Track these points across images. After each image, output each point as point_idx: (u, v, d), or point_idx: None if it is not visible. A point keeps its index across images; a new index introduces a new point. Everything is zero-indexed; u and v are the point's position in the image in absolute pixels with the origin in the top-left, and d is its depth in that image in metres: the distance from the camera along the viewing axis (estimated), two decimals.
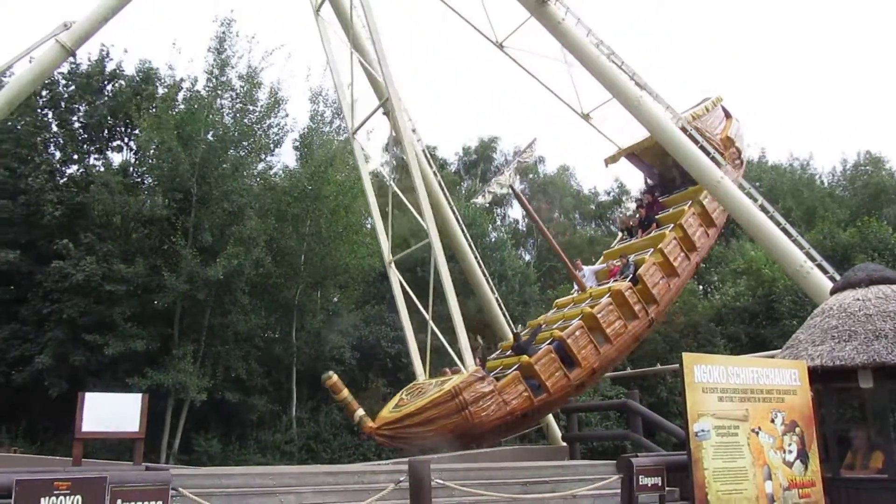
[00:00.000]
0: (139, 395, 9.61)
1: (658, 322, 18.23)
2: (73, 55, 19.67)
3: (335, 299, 30.73)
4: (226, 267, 24.04)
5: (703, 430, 9.55)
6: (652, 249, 18.20)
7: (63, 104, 27.65)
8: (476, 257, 22.85)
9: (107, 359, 23.14)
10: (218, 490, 9.27)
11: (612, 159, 22.42)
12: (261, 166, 29.63)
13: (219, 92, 27.56)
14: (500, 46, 20.47)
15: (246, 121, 27.97)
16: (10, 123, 25.16)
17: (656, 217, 19.96)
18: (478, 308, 26.38)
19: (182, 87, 28.47)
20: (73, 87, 27.70)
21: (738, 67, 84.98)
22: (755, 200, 17.65)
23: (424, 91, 73.33)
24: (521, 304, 33.13)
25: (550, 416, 20.57)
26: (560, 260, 21.28)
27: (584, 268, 19.53)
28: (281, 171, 30.88)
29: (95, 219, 25.36)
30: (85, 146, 28.18)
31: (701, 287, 42.41)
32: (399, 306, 18.72)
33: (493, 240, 36.73)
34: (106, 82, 28.40)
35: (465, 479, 10.38)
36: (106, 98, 28.21)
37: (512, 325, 22.58)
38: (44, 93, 26.94)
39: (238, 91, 28.07)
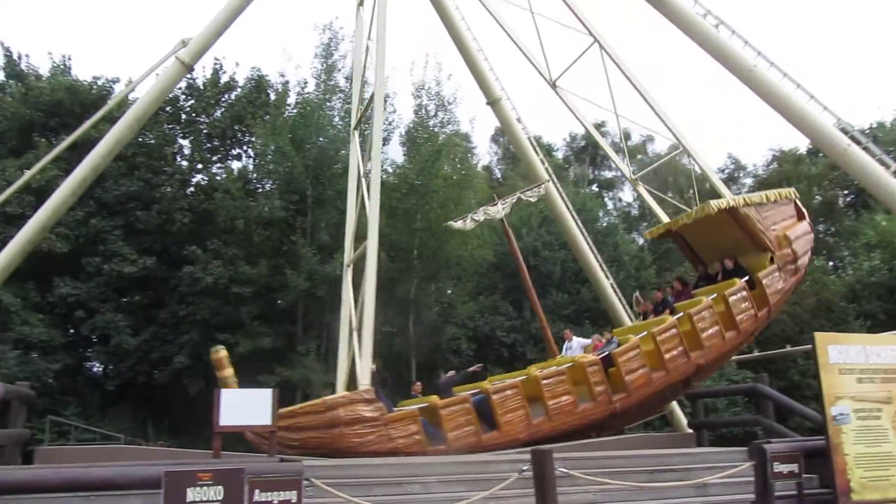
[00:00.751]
0: (270, 390, 10.03)
1: (621, 412, 14.20)
2: (191, 70, 20.75)
3: (449, 291, 31.04)
4: (340, 263, 24.75)
5: (841, 414, 9.06)
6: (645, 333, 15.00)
7: (184, 117, 29.34)
8: (588, 243, 22.39)
9: (238, 357, 24.39)
10: (347, 480, 9.56)
11: (651, 234, 19.35)
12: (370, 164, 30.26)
13: (327, 95, 28.41)
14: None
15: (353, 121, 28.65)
16: (141, 139, 26.93)
17: (674, 304, 16.29)
18: (593, 296, 25.93)
19: (291, 93, 29.59)
20: (192, 101, 29.31)
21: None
22: (888, 167, 16.46)
23: (524, 77, 71.60)
24: (637, 289, 32.34)
25: (675, 403, 19.94)
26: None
27: (574, 339, 16.78)
28: (389, 168, 31.48)
29: (220, 224, 26.77)
30: (208, 155, 29.82)
31: (831, 263, 40.01)
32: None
33: (604, 225, 36.02)
34: (222, 94, 29.88)
35: (589, 468, 10.22)
36: (223, 109, 29.71)
37: (630, 314, 21.99)
38: (168, 108, 28.63)
39: (345, 92, 28.84)
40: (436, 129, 31.46)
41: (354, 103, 20.69)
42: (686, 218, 16.72)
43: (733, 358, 20.00)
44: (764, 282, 15.31)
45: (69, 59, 29.42)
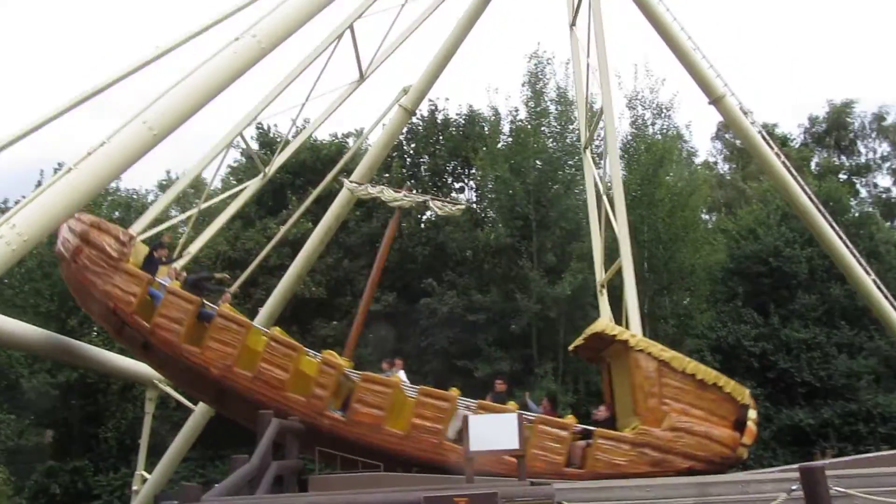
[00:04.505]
0: (515, 414, 10.26)
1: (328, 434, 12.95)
2: (414, 115, 22.21)
3: (685, 302, 29.71)
4: (571, 283, 24.76)
5: None
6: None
7: (409, 160, 31.34)
8: (840, 236, 20.31)
9: (479, 381, 25.20)
10: (599, 502, 9.49)
11: (572, 346, 15.88)
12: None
13: (539, 120, 28.84)
14: None
15: (567, 140, 28.81)
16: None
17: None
18: (847, 294, 23.41)
19: (504, 122, 30.45)
20: (414, 144, 31.25)
21: None
22: None
23: (747, 59, 65.43)
24: None
25: None
26: None
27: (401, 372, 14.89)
28: (609, 181, 31.03)
29: (452, 256, 28.04)
30: (434, 192, 31.49)
31: None
32: None
33: (856, 215, 32.50)
34: (439, 134, 31.52)
35: (869, 486, 9.21)
36: (442, 146, 31.30)
37: (892, 304, 19.53)
38: (394, 154, 30.76)
39: (555, 114, 29.09)
40: (654, 138, 30.56)
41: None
42: (581, 338, 14.60)
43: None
44: (598, 441, 12.36)
45: (307, 121, 32.70)
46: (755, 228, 30.47)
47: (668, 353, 12.91)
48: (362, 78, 18.81)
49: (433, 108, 31.71)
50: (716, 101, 19.94)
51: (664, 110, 30.35)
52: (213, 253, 28.20)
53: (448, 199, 18.92)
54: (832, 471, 8.37)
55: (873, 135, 47.78)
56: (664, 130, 30.68)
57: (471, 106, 32.08)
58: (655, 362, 12.69)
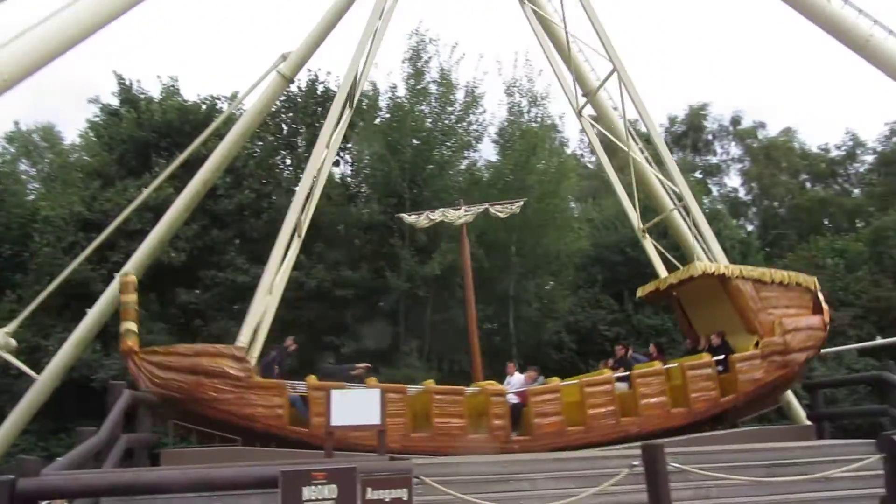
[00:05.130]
0: (378, 390, 10.31)
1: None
2: (292, 82, 21.56)
3: (548, 287, 30.84)
4: (441, 263, 25.06)
5: None
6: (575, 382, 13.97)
7: (286, 129, 30.46)
8: (691, 230, 21.72)
9: (344, 357, 25.09)
10: (456, 477, 9.71)
11: (642, 291, 17.16)
12: (465, 163, 30.54)
13: (418, 98, 28.80)
14: None
15: (446, 121, 28.99)
16: (248, 152, 28.16)
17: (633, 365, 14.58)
18: None
19: (383, 98, 30.21)
20: (292, 113, 30.38)
21: None
22: None
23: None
24: None
25: (790, 393, 19.08)
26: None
27: (516, 374, 15.38)
28: (484, 166, 31.59)
29: (323, 230, 27.62)
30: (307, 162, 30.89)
31: None
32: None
33: (707, 211, 34.82)
34: (318, 105, 30.83)
35: (703, 463, 9.96)
36: (320, 117, 30.65)
37: None
38: (269, 121, 29.79)
39: (435, 94, 29.14)
40: (529, 125, 31.35)
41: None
42: (673, 278, 15.54)
43: (854, 346, 18.95)
44: (738, 366, 13.66)
45: (176, 80, 31.08)
46: (615, 220, 32.03)
47: (755, 272, 14.65)
48: None
49: (314, 78, 31.00)
50: (588, 94, 20.73)
51: (539, 99, 31.13)
52: (67, 214, 26.34)
53: (506, 202, 18.87)
54: (671, 448, 8.98)
55: (728, 138, 51.52)
56: (538, 119, 31.53)
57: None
58: (750, 283, 14.16)
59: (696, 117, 50.87)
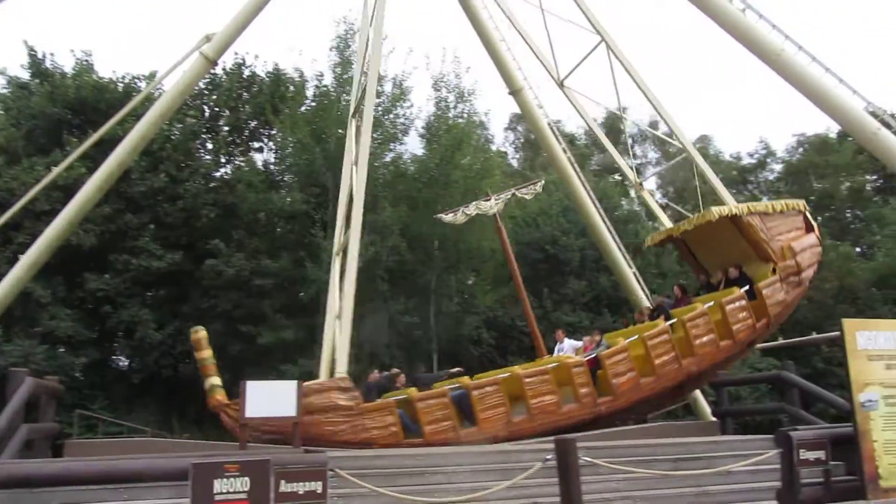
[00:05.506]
0: (294, 382, 10.19)
1: (607, 415, 14.20)
2: (215, 65, 20.94)
3: (470, 282, 31.08)
4: (363, 255, 24.87)
5: (870, 401, 9.05)
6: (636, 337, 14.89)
7: (208, 112, 29.60)
8: (610, 230, 22.34)
9: (262, 348, 24.63)
10: (371, 470, 9.69)
11: (652, 240, 18.63)
12: (391, 156, 30.39)
13: (344, 88, 28.49)
14: None
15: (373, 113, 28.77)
16: (166, 134, 27.21)
17: (670, 311, 15.94)
18: (612, 284, 25.87)
19: (309, 86, 29.75)
20: (215, 96, 29.56)
21: None
22: None
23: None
24: (658, 277, 32.16)
25: (698, 391, 19.89)
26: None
27: (566, 341, 16.73)
28: (409, 160, 31.52)
29: (243, 217, 27.01)
30: (231, 149, 30.08)
31: (858, 249, 39.48)
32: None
33: (625, 212, 35.84)
34: (243, 90, 30.12)
35: (613, 457, 10.27)
36: (245, 102, 29.95)
37: (651, 300, 21.92)
38: (191, 104, 28.90)
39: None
40: (455, 121, 31.45)
41: (354, 92, 20.84)
42: (687, 224, 16.47)
43: (757, 346, 19.90)
44: (764, 292, 15.06)
45: (90, 55, 29.70)
46: (537, 217, 32.53)
47: (760, 206, 16.24)
48: None
49: (240, 62, 30.25)
50: (514, 92, 21.00)
51: (466, 94, 31.27)
52: None
53: (529, 183, 19.09)
54: (583, 443, 9.21)
55: (647, 142, 53.22)
56: (464, 115, 31.66)
57: (276, 64, 31.02)
58: (758, 216, 15.55)
59: (615, 121, 52.31)
